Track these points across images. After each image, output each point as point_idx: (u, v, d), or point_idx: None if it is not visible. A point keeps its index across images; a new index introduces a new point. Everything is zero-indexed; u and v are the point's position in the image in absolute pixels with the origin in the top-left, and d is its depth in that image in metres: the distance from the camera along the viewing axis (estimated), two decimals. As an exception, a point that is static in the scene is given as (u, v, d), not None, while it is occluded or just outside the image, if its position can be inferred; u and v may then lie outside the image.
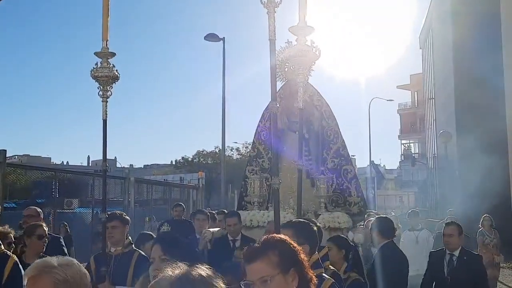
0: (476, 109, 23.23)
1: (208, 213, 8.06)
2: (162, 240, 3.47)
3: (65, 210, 15.39)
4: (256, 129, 8.97)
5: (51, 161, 72.04)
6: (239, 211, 7.85)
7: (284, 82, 8.65)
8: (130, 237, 5.05)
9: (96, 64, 4.92)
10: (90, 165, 73.29)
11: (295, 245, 2.51)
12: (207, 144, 79.51)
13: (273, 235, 2.60)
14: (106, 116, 4.94)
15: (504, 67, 19.82)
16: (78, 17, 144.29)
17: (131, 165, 77.41)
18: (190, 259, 3.10)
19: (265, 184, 8.21)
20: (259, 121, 8.95)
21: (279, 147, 7.78)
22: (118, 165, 70.17)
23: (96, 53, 4.91)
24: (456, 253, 5.78)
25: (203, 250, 6.24)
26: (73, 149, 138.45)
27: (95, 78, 4.91)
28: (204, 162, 56.96)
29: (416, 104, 55.17)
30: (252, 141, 9.32)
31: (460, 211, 15.89)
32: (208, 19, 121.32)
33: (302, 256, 2.48)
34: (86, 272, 2.35)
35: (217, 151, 49.95)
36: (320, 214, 7.82)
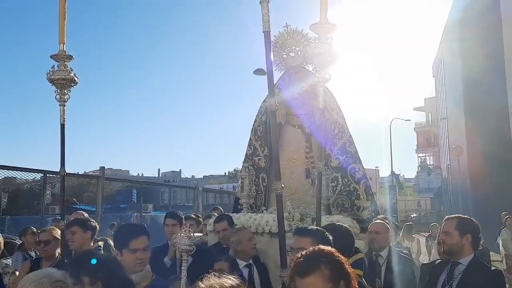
0: (484, 126, 22.71)
1: (193, 216, 6.32)
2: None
3: (143, 213, 15.84)
4: (253, 124, 6.80)
5: (129, 173, 73.02)
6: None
7: (283, 71, 6.49)
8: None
9: (52, 67, 4.12)
10: (160, 176, 74.42)
11: (341, 256, 2.18)
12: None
13: (319, 247, 2.20)
14: (64, 120, 4.13)
15: (507, 90, 19.27)
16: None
17: (193, 175, 78.37)
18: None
19: (260, 184, 6.33)
20: (256, 115, 6.85)
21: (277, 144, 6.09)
22: (182, 175, 71.31)
23: (52, 56, 4.10)
24: (464, 262, 3.46)
25: (173, 260, 4.48)
26: (145, 162, 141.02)
27: (51, 81, 4.09)
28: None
29: (430, 123, 54.36)
30: (249, 138, 7.05)
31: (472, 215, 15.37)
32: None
33: (348, 267, 2.16)
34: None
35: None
36: None
